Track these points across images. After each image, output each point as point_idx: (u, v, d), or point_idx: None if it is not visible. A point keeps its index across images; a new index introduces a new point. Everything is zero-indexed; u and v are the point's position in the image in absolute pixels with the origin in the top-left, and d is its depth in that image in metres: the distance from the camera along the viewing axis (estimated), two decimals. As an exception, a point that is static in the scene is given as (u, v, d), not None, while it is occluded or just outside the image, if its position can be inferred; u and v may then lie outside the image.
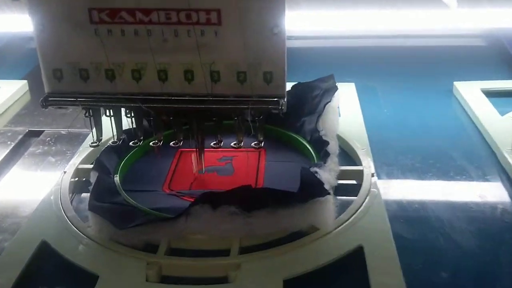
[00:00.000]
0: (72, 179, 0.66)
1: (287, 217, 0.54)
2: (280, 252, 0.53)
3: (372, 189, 0.62)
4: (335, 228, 0.56)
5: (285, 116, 0.56)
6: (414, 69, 1.03)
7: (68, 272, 0.53)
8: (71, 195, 0.64)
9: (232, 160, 0.70)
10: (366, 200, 0.60)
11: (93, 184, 0.60)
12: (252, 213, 0.54)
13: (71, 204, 0.61)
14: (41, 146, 0.79)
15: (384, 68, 1.04)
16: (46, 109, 0.56)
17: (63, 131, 0.82)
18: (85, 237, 0.56)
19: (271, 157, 0.70)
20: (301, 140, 0.72)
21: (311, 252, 0.53)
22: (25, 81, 0.96)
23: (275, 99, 0.53)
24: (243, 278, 0.50)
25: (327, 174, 0.62)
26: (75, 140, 0.79)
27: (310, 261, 0.52)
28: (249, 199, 0.54)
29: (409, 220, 0.61)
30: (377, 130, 0.78)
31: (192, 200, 0.57)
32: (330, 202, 0.57)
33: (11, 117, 0.88)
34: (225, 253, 0.53)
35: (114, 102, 0.56)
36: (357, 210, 0.58)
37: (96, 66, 0.54)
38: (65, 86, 0.55)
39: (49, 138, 0.81)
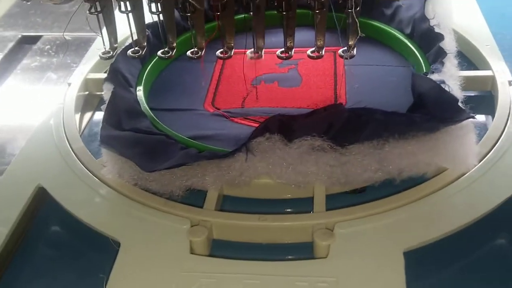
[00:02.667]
0: (81, 93, 0.53)
1: (405, 154, 0.39)
2: (396, 204, 0.38)
3: (515, 106, 0.46)
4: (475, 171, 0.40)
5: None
6: None
7: (76, 234, 0.41)
8: (78, 118, 0.51)
9: (298, 64, 0.56)
10: (509, 123, 0.44)
11: (106, 103, 0.47)
12: (349, 148, 0.40)
13: (79, 132, 0.48)
14: (38, 58, 0.66)
15: None
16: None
17: (68, 36, 0.69)
18: (98, 182, 0.42)
19: (352, 59, 0.54)
20: (396, 33, 0.57)
21: (443, 207, 0.38)
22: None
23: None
24: (340, 250, 0.35)
25: (453, 84, 0.44)
26: (85, 48, 0.65)
27: (443, 221, 0.37)
28: (344, 126, 0.40)
29: None
30: (500, 20, 0.62)
31: (251, 124, 0.47)
32: (471, 130, 0.41)
33: (-2, 19, 0.76)
34: (301, 204, 0.40)
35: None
36: (498, 139, 0.43)
37: None
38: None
39: (48, 46, 0.68)
